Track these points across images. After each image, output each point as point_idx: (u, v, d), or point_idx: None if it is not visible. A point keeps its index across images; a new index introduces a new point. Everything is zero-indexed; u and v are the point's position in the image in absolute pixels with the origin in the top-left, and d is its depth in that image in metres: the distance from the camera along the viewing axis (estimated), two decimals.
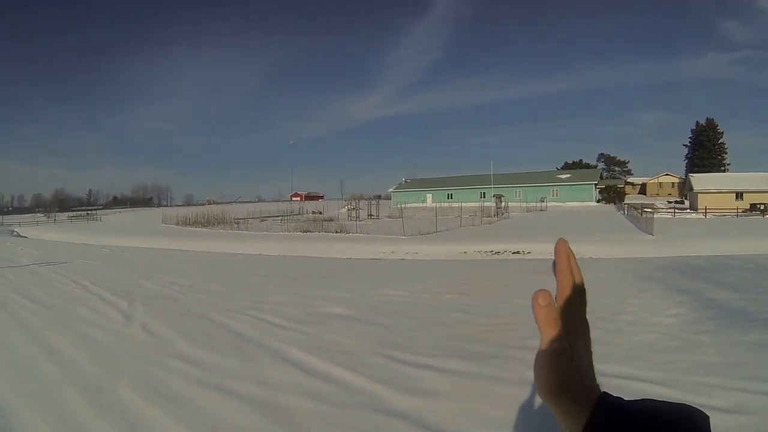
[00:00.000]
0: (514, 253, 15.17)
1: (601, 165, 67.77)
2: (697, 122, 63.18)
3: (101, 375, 3.78)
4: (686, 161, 64.38)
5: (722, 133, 60.96)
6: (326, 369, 3.90)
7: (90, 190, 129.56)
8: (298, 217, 35.18)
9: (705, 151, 60.03)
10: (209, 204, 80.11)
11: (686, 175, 53.32)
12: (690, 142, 64.01)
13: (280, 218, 34.53)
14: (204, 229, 28.25)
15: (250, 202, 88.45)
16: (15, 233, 34.87)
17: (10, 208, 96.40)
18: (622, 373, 3.49)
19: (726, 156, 60.81)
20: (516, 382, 3.40)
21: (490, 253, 15.46)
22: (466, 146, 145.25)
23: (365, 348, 4.46)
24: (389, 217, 33.66)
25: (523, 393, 3.18)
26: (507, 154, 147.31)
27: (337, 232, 21.84)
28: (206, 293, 7.57)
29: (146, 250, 16.79)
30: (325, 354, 4.27)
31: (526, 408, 3.02)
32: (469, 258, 14.74)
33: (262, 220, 33.83)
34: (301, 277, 9.55)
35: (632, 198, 52.19)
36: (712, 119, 61.78)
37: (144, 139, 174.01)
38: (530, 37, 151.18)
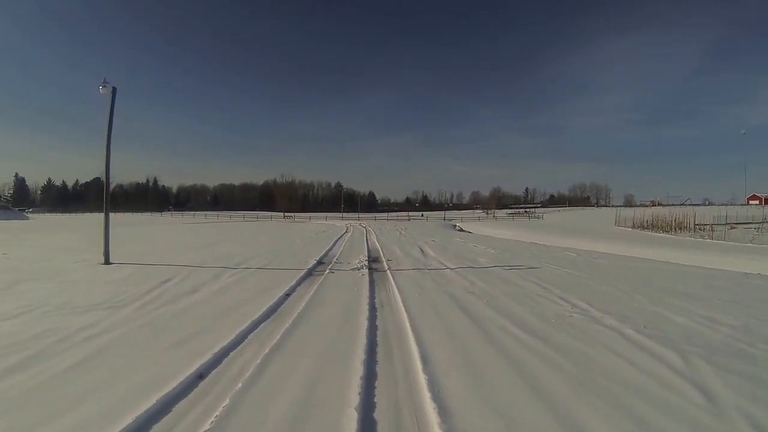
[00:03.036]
0: None
1: None
2: None
3: None
4: None
5: None
6: None
7: (527, 188, 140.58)
8: None
9: None
10: (653, 205, 69.28)
11: None
12: None
13: (753, 226, 27.69)
14: (666, 235, 23.21)
15: (698, 204, 69.89)
16: (458, 228, 37.40)
17: (450, 204, 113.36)
18: None
19: None
20: None
21: None
22: None
23: None
24: None
25: None
26: None
27: None
28: None
29: (623, 258, 13.28)
30: None
31: None
32: None
33: (732, 228, 26.23)
34: None
35: None
36: None
37: (578, 135, 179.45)
38: None
